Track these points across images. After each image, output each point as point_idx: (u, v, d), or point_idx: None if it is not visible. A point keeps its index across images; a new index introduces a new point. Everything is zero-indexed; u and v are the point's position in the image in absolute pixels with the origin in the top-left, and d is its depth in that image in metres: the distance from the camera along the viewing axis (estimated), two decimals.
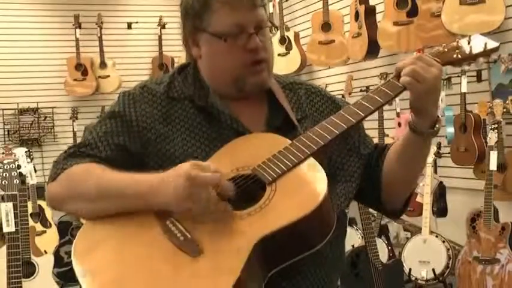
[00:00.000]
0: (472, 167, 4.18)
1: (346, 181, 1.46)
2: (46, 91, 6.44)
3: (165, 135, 1.40)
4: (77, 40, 6.43)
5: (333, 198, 1.37)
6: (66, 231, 4.84)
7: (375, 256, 3.66)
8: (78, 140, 1.63)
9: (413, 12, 4.41)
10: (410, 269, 4.09)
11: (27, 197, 3.76)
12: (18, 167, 3.69)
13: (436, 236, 4.13)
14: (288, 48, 5.77)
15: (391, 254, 4.22)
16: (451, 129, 4.25)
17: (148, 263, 1.21)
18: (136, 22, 6.82)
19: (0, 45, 6.36)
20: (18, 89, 6.29)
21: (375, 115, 4.61)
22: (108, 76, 6.53)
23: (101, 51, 6.51)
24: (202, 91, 1.45)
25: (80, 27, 6.46)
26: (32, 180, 4.07)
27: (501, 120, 3.85)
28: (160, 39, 6.77)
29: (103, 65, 6.53)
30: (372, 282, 3.60)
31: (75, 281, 1.24)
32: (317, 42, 5.42)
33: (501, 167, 3.88)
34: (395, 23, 4.53)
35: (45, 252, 4.60)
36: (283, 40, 5.79)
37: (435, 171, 4.40)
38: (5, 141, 6.20)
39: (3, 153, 3.99)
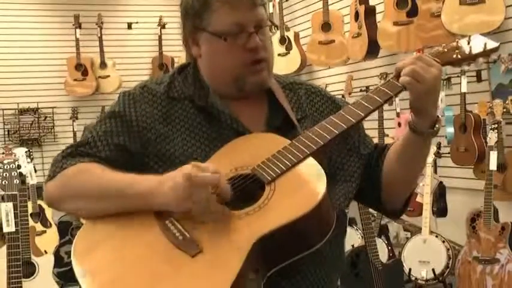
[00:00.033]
0: (472, 167, 4.18)
1: (346, 181, 1.46)
2: (46, 91, 6.44)
3: (165, 135, 1.41)
4: (77, 40, 6.43)
5: (332, 198, 1.37)
6: (66, 231, 4.84)
7: (374, 256, 3.66)
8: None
9: (413, 12, 4.41)
10: (410, 269, 4.09)
11: (27, 197, 3.77)
12: (19, 167, 3.69)
13: (436, 236, 4.14)
14: (288, 48, 5.77)
15: (391, 254, 4.22)
16: (451, 129, 4.25)
17: (147, 263, 1.21)
18: (137, 22, 6.82)
19: (0, 45, 6.36)
20: (19, 89, 6.29)
21: (375, 115, 4.63)
22: (108, 76, 6.53)
23: (101, 51, 6.51)
24: (202, 91, 1.45)
25: (80, 27, 6.46)
26: (32, 180, 4.07)
27: (501, 120, 3.85)
28: (160, 39, 6.77)
29: (103, 65, 6.53)
30: (371, 282, 3.61)
31: (75, 281, 1.24)
32: (317, 42, 5.42)
33: (501, 167, 3.88)
34: (395, 23, 4.53)
35: (45, 252, 4.60)
36: (283, 40, 5.79)
37: (435, 171, 4.40)
38: (5, 141, 6.20)
39: (3, 153, 4.00)
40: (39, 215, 4.93)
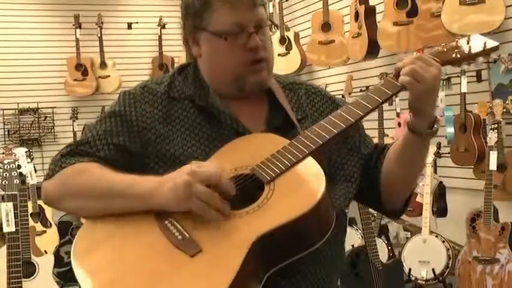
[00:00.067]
0: (472, 167, 4.18)
1: (346, 181, 1.46)
2: (46, 91, 6.44)
3: (165, 136, 1.41)
4: (77, 40, 6.43)
5: (332, 198, 1.37)
6: (66, 231, 4.84)
7: (374, 256, 3.66)
8: None
9: (413, 12, 4.41)
10: (410, 269, 4.09)
11: (27, 197, 3.76)
12: (19, 167, 3.70)
13: (436, 236, 4.14)
14: (288, 48, 5.77)
15: (391, 254, 4.23)
16: (451, 129, 4.25)
17: (147, 263, 1.21)
18: (137, 22, 6.82)
19: (0, 45, 6.36)
20: (19, 89, 6.29)
21: (375, 115, 4.63)
22: (108, 76, 6.53)
23: (101, 52, 6.51)
24: (203, 91, 1.45)
25: (80, 27, 6.46)
26: (32, 180, 4.07)
27: (501, 120, 3.85)
28: (160, 39, 6.77)
29: (103, 65, 6.53)
30: (371, 282, 3.61)
31: (75, 281, 1.24)
32: (317, 42, 5.42)
33: (501, 167, 3.88)
34: (395, 23, 4.53)
35: (45, 252, 4.60)
36: (283, 40, 5.79)
37: (435, 171, 4.40)
38: (5, 141, 6.20)
39: (3, 153, 4.00)
40: (39, 215, 4.93)
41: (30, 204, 4.62)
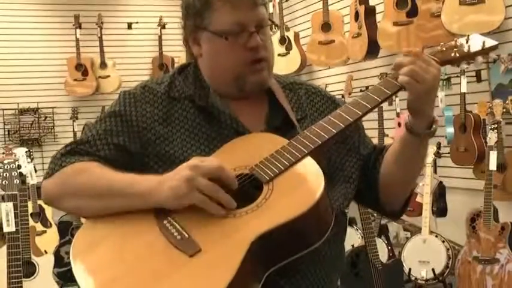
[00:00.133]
0: (472, 167, 4.18)
1: (345, 181, 1.46)
2: (46, 91, 6.44)
3: (165, 137, 1.41)
4: (77, 40, 6.43)
5: (332, 198, 1.37)
6: (67, 231, 4.84)
7: (374, 256, 3.67)
8: None
9: (413, 12, 4.41)
10: (410, 269, 4.09)
11: (27, 197, 3.77)
12: (19, 167, 3.70)
13: (436, 236, 4.14)
14: (288, 48, 5.77)
15: (391, 254, 4.23)
16: (450, 129, 4.25)
17: (147, 262, 1.22)
18: (137, 22, 6.82)
19: (0, 45, 6.36)
20: (19, 89, 6.29)
21: (375, 115, 4.63)
22: (108, 76, 6.53)
23: (101, 52, 6.51)
24: (203, 91, 1.46)
25: (80, 27, 6.46)
26: (32, 180, 4.07)
27: (501, 120, 3.85)
28: (160, 39, 6.77)
29: (103, 65, 6.53)
30: (371, 282, 3.61)
31: (75, 281, 1.24)
32: (317, 42, 5.42)
33: (501, 167, 3.88)
34: (395, 23, 4.53)
35: (46, 252, 4.60)
36: (283, 40, 5.79)
37: (435, 171, 4.40)
38: (5, 141, 6.20)
39: (3, 153, 4.00)
40: (40, 215, 4.93)
41: (30, 204, 4.62)
